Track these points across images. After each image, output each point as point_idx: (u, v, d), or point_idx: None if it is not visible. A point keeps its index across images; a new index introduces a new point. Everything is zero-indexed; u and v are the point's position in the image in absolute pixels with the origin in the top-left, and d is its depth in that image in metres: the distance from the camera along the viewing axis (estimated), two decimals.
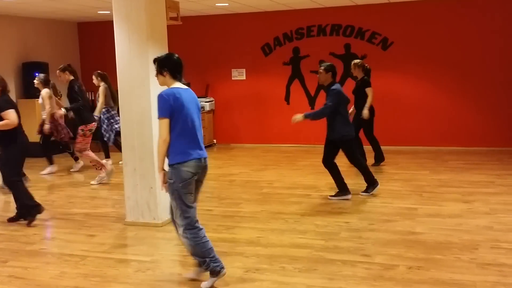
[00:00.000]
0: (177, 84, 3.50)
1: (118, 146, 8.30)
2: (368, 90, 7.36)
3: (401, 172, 7.16)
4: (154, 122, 4.91)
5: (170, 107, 3.35)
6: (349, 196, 5.75)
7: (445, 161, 7.87)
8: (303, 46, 9.53)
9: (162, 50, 5.03)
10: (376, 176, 6.94)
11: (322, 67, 5.72)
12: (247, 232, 4.76)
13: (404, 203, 5.55)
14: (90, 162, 6.95)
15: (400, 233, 4.58)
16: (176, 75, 3.51)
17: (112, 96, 7.99)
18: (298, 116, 5.57)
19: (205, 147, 10.93)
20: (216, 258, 3.52)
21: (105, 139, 8.07)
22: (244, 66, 9.95)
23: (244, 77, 9.97)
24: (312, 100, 9.66)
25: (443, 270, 3.73)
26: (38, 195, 6.42)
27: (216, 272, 3.50)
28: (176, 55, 3.56)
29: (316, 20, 9.37)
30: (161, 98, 3.38)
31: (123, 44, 4.89)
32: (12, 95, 7.37)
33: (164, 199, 5.07)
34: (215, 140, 10.26)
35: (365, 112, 7.32)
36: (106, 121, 8.00)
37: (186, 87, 3.55)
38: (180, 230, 3.48)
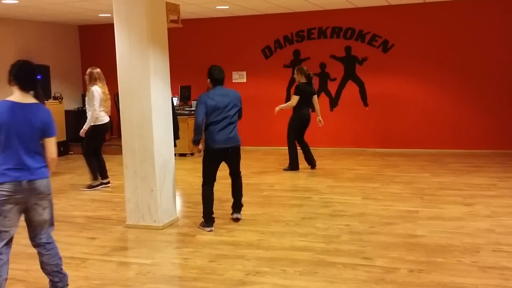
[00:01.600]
0: (17, 97, 3.20)
1: None
2: (292, 97, 7.42)
3: (402, 175, 7.15)
4: (155, 124, 4.92)
5: None
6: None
7: (446, 163, 7.86)
8: (304, 48, 9.53)
9: (162, 53, 5.05)
10: (377, 179, 6.97)
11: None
12: (248, 235, 4.75)
13: (405, 206, 5.54)
14: None
15: (401, 236, 4.57)
16: (24, 86, 3.21)
17: None
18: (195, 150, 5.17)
19: None
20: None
21: None
22: (245, 68, 9.95)
23: (244, 80, 9.97)
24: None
25: (444, 273, 3.72)
26: None
27: None
28: (29, 64, 3.30)
29: (317, 22, 9.37)
30: None
31: (124, 47, 4.89)
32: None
33: (165, 201, 5.08)
34: None
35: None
36: None
37: (31, 101, 3.22)
38: None
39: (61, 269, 3.45)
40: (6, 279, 3.30)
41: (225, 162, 5.16)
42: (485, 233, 4.56)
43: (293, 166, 7.60)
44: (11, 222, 3.24)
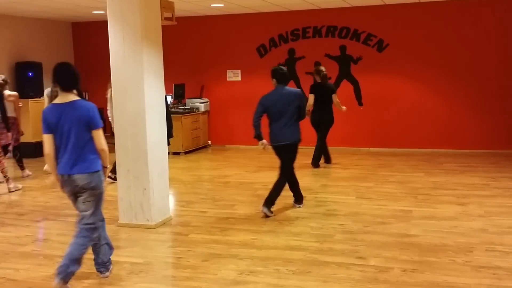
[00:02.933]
0: (59, 98, 3.52)
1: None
2: (309, 96, 7.60)
3: (396, 174, 7.15)
4: (148, 123, 4.89)
5: (45, 123, 3.49)
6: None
7: (440, 163, 7.88)
8: (299, 47, 9.52)
9: (156, 51, 5.01)
10: (371, 179, 6.98)
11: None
12: (241, 234, 4.73)
13: (398, 205, 5.54)
14: None
15: (395, 235, 4.57)
16: (64, 88, 3.51)
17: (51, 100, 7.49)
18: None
19: (200, 148, 10.81)
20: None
21: None
22: (239, 67, 9.93)
23: (239, 78, 9.94)
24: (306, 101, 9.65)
25: (437, 272, 3.72)
26: (30, 196, 6.39)
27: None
28: (70, 66, 3.58)
29: (312, 21, 9.36)
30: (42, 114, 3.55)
31: (117, 45, 4.85)
32: None
33: (158, 200, 5.05)
34: (209, 141, 10.23)
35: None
36: None
37: (71, 99, 3.48)
38: None
39: (73, 260, 3.48)
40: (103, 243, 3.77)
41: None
42: (478, 233, 4.57)
43: (318, 161, 7.78)
44: (77, 206, 3.62)
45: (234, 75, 9.97)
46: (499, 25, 8.45)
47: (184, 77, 10.10)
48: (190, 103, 9.81)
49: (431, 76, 8.87)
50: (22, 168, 7.47)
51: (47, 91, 7.68)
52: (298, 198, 5.62)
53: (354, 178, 6.99)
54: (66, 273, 3.45)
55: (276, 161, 8.27)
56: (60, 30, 10.58)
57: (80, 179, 3.48)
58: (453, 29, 8.67)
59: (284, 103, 5.28)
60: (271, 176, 7.22)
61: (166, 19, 5.40)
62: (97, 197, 3.58)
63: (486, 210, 5.27)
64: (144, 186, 4.94)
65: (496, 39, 8.48)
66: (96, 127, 3.51)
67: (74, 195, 3.57)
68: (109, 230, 4.94)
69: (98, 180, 3.54)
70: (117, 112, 4.98)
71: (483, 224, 4.81)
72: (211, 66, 10.08)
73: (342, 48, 9.30)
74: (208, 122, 10.15)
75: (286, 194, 6.17)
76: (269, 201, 5.27)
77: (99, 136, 3.53)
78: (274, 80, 5.47)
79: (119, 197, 5.07)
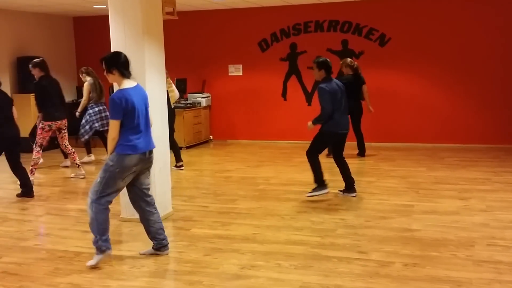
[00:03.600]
0: (127, 83, 3.82)
1: (86, 145, 8.05)
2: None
3: (397, 169, 7.15)
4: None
5: (121, 109, 3.72)
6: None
7: (442, 158, 7.87)
8: (300, 42, 9.50)
9: (158, 45, 5.00)
10: (372, 173, 6.98)
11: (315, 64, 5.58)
12: (243, 228, 4.74)
13: (400, 200, 5.55)
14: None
15: (396, 230, 4.57)
16: (128, 74, 3.83)
17: (97, 90, 7.85)
18: (309, 124, 5.59)
19: (201, 143, 10.78)
20: (107, 240, 3.90)
21: (79, 133, 7.95)
22: (241, 61, 9.91)
23: (241, 73, 9.93)
24: (309, 97, 9.64)
25: (439, 267, 3.73)
26: (33, 191, 6.39)
27: (101, 250, 3.86)
28: (123, 54, 3.87)
29: (314, 16, 9.34)
30: (112, 101, 3.74)
31: (119, 39, 4.84)
32: (7, 90, 7.32)
33: (159, 195, 5.05)
34: (211, 136, 10.24)
35: None
36: (87, 116, 7.86)
37: (135, 83, 3.87)
38: (89, 201, 3.87)
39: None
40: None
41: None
42: (479, 227, 4.57)
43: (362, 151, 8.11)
44: (142, 181, 3.97)
45: (235, 70, 9.96)
46: (501, 19, 8.41)
47: (186, 71, 10.09)
48: (192, 97, 9.80)
49: (433, 70, 8.84)
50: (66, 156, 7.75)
51: (89, 82, 7.84)
52: (320, 184, 5.57)
53: (355, 173, 6.94)
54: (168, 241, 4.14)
55: (276, 157, 8.30)
56: (62, 24, 10.57)
57: (153, 153, 3.96)
58: (455, 24, 8.64)
59: (341, 93, 5.52)
60: (273, 171, 7.26)
61: (167, 13, 5.39)
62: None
63: (488, 205, 5.26)
64: None
65: (498, 33, 8.45)
66: (149, 106, 4.00)
67: (135, 173, 3.85)
68: (111, 224, 4.94)
69: None
70: None
71: (484, 219, 4.81)
72: (213, 61, 10.07)
73: (344, 43, 9.28)
74: (209, 116, 10.15)
75: (288, 189, 6.19)
76: (350, 185, 5.69)
77: (151, 113, 4.01)
78: (322, 71, 5.48)
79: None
